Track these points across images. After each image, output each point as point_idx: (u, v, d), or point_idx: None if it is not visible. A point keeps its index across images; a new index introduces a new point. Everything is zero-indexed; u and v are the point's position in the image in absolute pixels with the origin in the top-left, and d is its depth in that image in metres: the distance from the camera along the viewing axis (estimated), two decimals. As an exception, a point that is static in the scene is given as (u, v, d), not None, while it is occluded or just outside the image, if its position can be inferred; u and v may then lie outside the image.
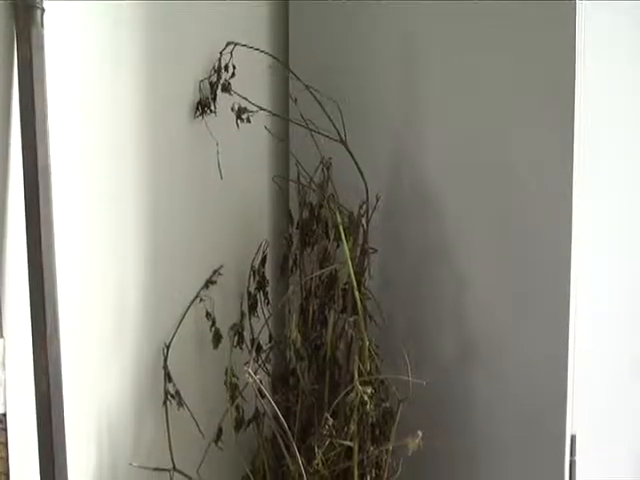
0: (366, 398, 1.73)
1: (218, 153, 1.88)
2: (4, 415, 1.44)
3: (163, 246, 1.82)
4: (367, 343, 1.81)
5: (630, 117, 2.03)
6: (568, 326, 1.82)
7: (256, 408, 1.89)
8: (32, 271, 1.43)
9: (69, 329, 1.55)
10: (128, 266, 1.76)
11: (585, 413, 1.90)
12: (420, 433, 1.69)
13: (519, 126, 1.85)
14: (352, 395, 1.73)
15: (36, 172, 1.43)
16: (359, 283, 1.84)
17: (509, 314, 1.91)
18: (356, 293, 1.81)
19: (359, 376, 1.77)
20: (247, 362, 1.77)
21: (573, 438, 1.87)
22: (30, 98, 1.42)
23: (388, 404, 1.83)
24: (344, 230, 1.85)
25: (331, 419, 1.73)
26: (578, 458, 1.88)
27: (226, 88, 1.87)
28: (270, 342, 1.98)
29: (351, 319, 1.81)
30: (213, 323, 1.87)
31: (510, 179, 1.88)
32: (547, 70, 1.80)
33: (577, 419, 1.87)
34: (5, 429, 1.44)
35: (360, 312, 1.81)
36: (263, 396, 1.81)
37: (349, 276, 1.83)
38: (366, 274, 1.89)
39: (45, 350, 1.40)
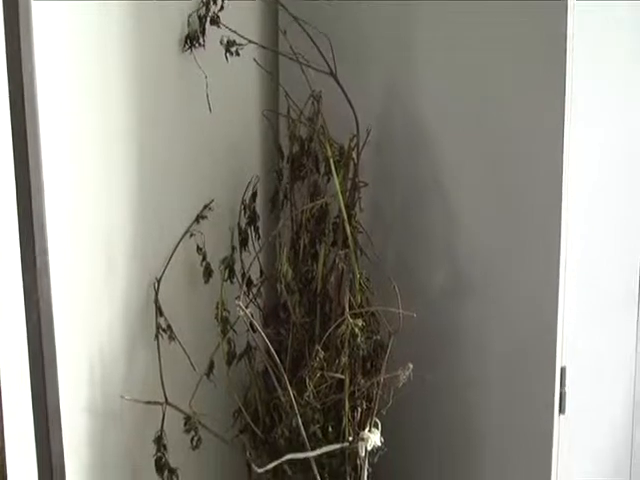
0: (357, 331, 1.73)
1: (207, 87, 1.86)
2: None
3: (152, 181, 1.81)
4: (358, 276, 1.82)
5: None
6: (559, 258, 1.83)
7: (247, 342, 1.90)
8: (21, 206, 1.42)
9: (59, 265, 1.54)
10: (117, 201, 1.75)
11: (575, 345, 1.91)
12: (411, 365, 1.71)
13: (512, 62, 1.84)
14: (343, 328, 1.74)
15: (22, 105, 1.40)
16: (350, 216, 1.83)
17: (499, 247, 1.91)
18: (347, 226, 1.81)
19: (350, 309, 1.78)
20: (238, 296, 1.77)
21: (563, 370, 1.88)
22: (15, 29, 1.39)
23: (379, 337, 1.84)
24: (334, 163, 1.84)
25: (322, 352, 1.74)
26: (568, 389, 1.89)
27: (215, 21, 1.85)
28: (261, 277, 1.98)
29: (342, 252, 1.81)
30: (204, 258, 1.86)
31: (502, 113, 1.87)
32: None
33: (567, 351, 1.88)
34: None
35: (351, 245, 1.81)
36: (254, 330, 1.81)
37: (340, 209, 1.83)
38: (357, 207, 1.88)
39: (35, 285, 1.39)
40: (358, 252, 1.85)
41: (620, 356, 2.18)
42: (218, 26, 1.85)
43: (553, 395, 1.88)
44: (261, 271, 1.99)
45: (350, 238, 1.81)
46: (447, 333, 1.98)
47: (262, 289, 1.98)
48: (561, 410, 1.89)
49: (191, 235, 1.86)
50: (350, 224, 1.82)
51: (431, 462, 2.07)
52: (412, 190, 1.99)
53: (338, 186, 1.82)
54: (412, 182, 1.99)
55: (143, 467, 1.81)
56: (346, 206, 1.82)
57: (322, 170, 1.91)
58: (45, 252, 1.43)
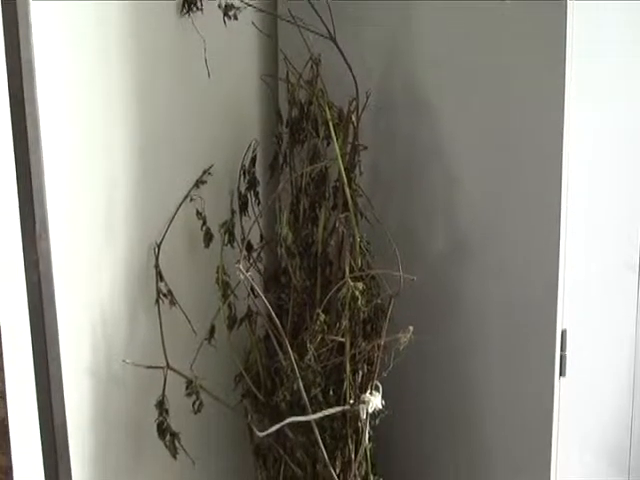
0: (357, 294, 1.73)
1: (205, 51, 1.85)
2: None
3: (151, 146, 1.80)
4: (358, 239, 1.81)
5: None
6: (559, 221, 1.82)
7: (248, 307, 1.90)
8: (19, 168, 1.42)
9: (59, 229, 1.54)
10: (117, 166, 1.74)
11: (576, 308, 1.92)
12: (411, 328, 1.70)
13: (513, 25, 1.82)
14: (343, 291, 1.73)
15: (20, 67, 1.40)
16: (350, 180, 1.83)
17: (500, 210, 1.91)
18: (347, 190, 1.81)
19: (350, 272, 1.78)
20: (238, 260, 1.77)
21: (564, 333, 1.88)
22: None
23: (379, 300, 1.84)
24: (334, 127, 1.84)
25: (323, 315, 1.73)
26: (569, 353, 1.89)
27: (213, -16, 1.84)
28: (261, 241, 1.98)
29: (342, 216, 1.81)
30: (204, 222, 1.86)
31: (502, 75, 1.86)
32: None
33: (568, 314, 1.88)
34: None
35: (351, 208, 1.81)
36: (255, 294, 1.81)
37: (339, 173, 1.82)
38: (356, 171, 1.88)
39: (35, 246, 1.39)
40: (358, 215, 1.85)
41: (621, 320, 2.18)
42: (216, -11, 1.84)
43: (554, 358, 1.88)
44: (261, 236, 1.99)
45: (350, 201, 1.81)
46: (447, 296, 1.98)
47: (262, 254, 1.98)
48: (562, 373, 1.89)
49: (191, 200, 1.86)
50: (350, 187, 1.82)
51: (432, 425, 2.07)
52: (412, 153, 1.98)
53: (338, 149, 1.81)
54: (412, 145, 1.98)
55: (145, 431, 1.81)
56: (346, 169, 1.82)
57: (322, 134, 1.89)
58: (44, 214, 1.43)
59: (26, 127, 1.40)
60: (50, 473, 1.49)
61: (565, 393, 1.91)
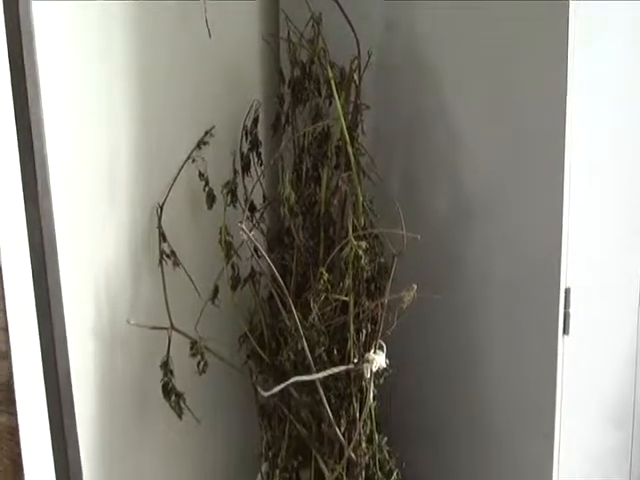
0: (361, 252, 1.73)
1: (205, 11, 1.83)
2: (-1, 270, 1.45)
3: (153, 106, 1.79)
4: (361, 199, 1.80)
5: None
6: (563, 179, 1.82)
7: (252, 267, 1.90)
8: (20, 128, 1.41)
9: (61, 190, 1.53)
10: (119, 127, 1.73)
11: (580, 266, 1.91)
12: (415, 286, 1.70)
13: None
14: (347, 250, 1.73)
15: (19, 33, 1.38)
16: (352, 139, 1.82)
17: (503, 170, 1.91)
18: (349, 148, 1.80)
19: (353, 231, 1.77)
20: (241, 220, 1.76)
21: (568, 291, 1.88)
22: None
23: (383, 259, 1.83)
24: (336, 86, 1.82)
25: (326, 274, 1.73)
26: (572, 310, 1.89)
27: (213, -59, 1.83)
28: (264, 202, 1.98)
29: (345, 175, 1.80)
30: (206, 183, 1.86)
31: (505, 35, 1.84)
32: None
33: (572, 272, 1.88)
34: (1, 287, 1.45)
35: (353, 167, 1.80)
36: (259, 255, 1.81)
37: (342, 132, 1.81)
38: (359, 130, 1.87)
39: (37, 205, 1.38)
40: (361, 174, 1.84)
41: (626, 278, 2.18)
42: (216, -53, 1.82)
43: (557, 316, 1.88)
44: (264, 196, 1.99)
45: (353, 160, 1.80)
46: (451, 256, 1.98)
47: (265, 214, 1.98)
48: (565, 331, 1.90)
49: (193, 161, 1.85)
50: (352, 146, 1.81)
51: (436, 383, 2.08)
52: (415, 113, 1.97)
53: (340, 108, 1.80)
54: (415, 105, 1.97)
55: (151, 392, 1.82)
56: (348, 128, 1.81)
57: (323, 93, 1.89)
58: (45, 174, 1.42)
59: (26, 87, 1.39)
60: (56, 433, 1.49)
61: (569, 351, 1.91)
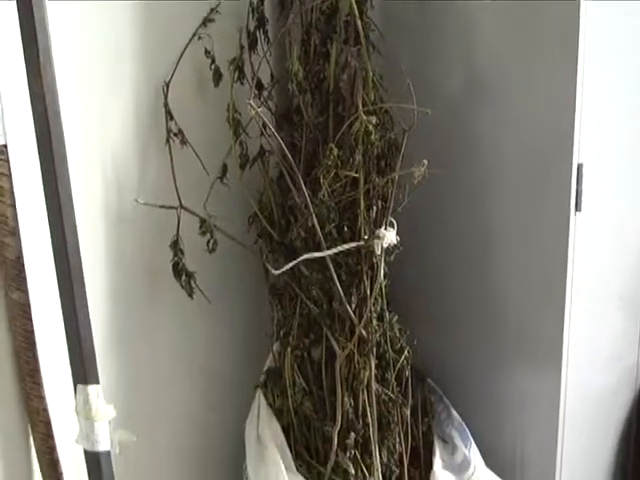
0: (371, 128, 1.70)
1: None
2: (5, 146, 1.43)
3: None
4: (371, 74, 1.77)
5: None
6: (577, 53, 1.78)
7: (261, 146, 1.88)
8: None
9: (66, 67, 1.51)
10: (124, 5, 1.70)
11: (593, 143, 1.88)
12: (425, 162, 1.67)
13: None
14: (357, 125, 1.70)
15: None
16: (361, 12, 1.77)
17: (517, 48, 1.87)
18: (358, 22, 1.75)
19: (363, 107, 1.74)
20: (249, 97, 1.73)
21: (580, 167, 1.85)
22: None
23: (393, 134, 1.81)
24: (344, -43, 1.77)
25: (336, 149, 1.71)
26: (585, 187, 1.87)
27: None
28: (272, 80, 1.94)
29: (354, 49, 1.76)
30: (213, 61, 1.82)
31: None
32: None
33: (584, 148, 1.85)
34: (7, 160, 1.43)
35: (363, 42, 1.76)
36: (268, 133, 1.79)
37: (350, 6, 1.76)
38: (368, 3, 1.82)
39: (39, 76, 1.36)
40: (370, 49, 1.80)
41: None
42: None
43: (569, 192, 1.86)
44: (271, 75, 1.95)
45: (362, 34, 1.76)
46: (463, 132, 1.96)
47: (273, 92, 1.94)
48: (577, 208, 1.88)
49: (199, 38, 1.81)
50: (362, 20, 1.76)
51: (447, 262, 2.08)
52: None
53: (348, -20, 1.75)
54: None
55: (162, 272, 1.82)
56: (357, 2, 1.76)
57: (331, -34, 1.84)
58: (47, 42, 1.38)
59: None
60: (67, 309, 1.50)
61: (581, 228, 1.90)
